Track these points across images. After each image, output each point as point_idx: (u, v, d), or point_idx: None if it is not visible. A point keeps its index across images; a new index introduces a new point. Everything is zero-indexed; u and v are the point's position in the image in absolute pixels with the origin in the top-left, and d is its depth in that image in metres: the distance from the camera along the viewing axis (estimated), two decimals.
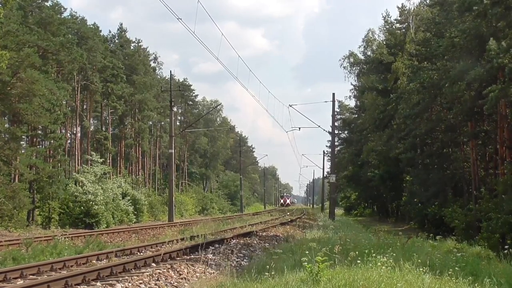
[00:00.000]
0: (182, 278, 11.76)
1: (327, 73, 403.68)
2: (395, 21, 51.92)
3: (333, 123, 44.03)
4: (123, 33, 61.00)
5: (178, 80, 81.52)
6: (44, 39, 34.93)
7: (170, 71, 59.32)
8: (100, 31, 52.93)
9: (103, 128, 55.01)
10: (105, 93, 51.21)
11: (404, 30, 49.20)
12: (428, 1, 41.89)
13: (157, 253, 14.88)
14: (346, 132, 72.88)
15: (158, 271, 12.04)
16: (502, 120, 26.33)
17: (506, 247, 13.72)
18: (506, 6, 21.37)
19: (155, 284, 10.92)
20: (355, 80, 60.52)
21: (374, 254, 10.61)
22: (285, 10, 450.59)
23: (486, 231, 22.19)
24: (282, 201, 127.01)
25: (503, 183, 23.48)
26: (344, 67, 58.07)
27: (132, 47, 61.76)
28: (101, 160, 40.17)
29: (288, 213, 52.56)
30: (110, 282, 10.86)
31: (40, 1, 41.12)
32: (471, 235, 24.74)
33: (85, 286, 10.60)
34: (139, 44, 64.45)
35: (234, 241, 19.19)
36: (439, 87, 30.44)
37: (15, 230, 27.72)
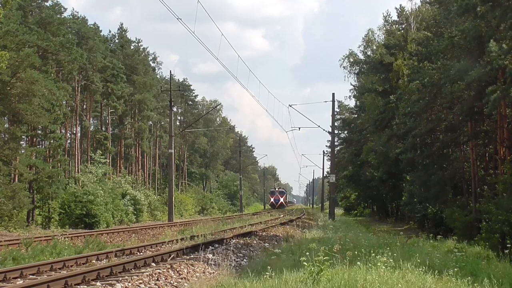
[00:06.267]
0: (181, 278, 11.76)
1: (326, 74, 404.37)
2: (395, 22, 51.88)
3: (333, 123, 44.01)
4: (123, 33, 61.05)
5: (178, 80, 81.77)
6: (44, 39, 34.92)
7: (170, 71, 59.29)
8: (101, 31, 53.10)
9: (103, 128, 55.00)
10: (105, 93, 51.21)
11: (403, 30, 49.11)
12: None
13: (157, 253, 14.89)
14: (345, 132, 72.85)
15: (158, 271, 12.04)
16: (502, 120, 26.30)
17: (508, 245, 13.70)
18: (505, 8, 21.31)
19: (155, 284, 10.93)
20: (354, 80, 60.57)
21: (374, 254, 10.61)
22: (284, 10, 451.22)
23: (486, 231, 22.16)
24: (272, 199, 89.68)
25: (503, 181, 23.45)
26: (344, 67, 58.11)
27: (132, 47, 61.80)
28: (104, 160, 40.18)
29: (287, 213, 52.52)
30: (110, 282, 10.87)
31: (40, 1, 41.16)
32: (471, 235, 24.69)
33: (85, 286, 10.60)
34: (139, 44, 64.61)
35: (234, 241, 19.18)
36: (439, 86, 30.39)
37: (14, 230, 27.71)
